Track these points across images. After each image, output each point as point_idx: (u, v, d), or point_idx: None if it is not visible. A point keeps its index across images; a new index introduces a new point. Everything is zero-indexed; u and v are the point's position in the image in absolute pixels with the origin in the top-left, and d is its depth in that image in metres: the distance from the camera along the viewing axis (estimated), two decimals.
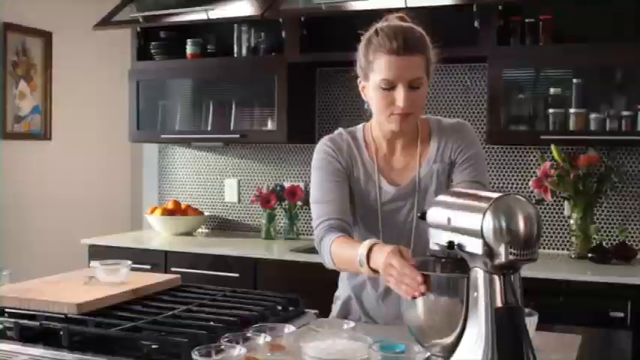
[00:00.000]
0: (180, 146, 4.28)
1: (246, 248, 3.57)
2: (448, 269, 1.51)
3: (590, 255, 3.12)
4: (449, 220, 1.42)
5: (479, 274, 1.36)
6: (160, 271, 3.41)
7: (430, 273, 1.50)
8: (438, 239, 1.47)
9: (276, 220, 3.92)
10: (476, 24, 3.27)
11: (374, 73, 1.77)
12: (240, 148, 4.13)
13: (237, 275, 3.40)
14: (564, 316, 2.73)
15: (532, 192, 3.25)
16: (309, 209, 3.92)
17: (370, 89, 1.81)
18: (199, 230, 4.14)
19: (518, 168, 3.52)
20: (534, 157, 3.47)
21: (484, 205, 1.33)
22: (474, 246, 1.34)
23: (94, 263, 2.02)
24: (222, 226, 4.22)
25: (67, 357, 1.58)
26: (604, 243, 3.24)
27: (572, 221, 3.25)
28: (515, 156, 3.52)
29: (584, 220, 3.20)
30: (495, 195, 1.34)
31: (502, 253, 1.30)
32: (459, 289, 1.41)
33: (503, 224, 1.30)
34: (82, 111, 4.67)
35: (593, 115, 3.18)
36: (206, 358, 1.44)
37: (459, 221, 1.39)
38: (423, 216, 1.54)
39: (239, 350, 1.47)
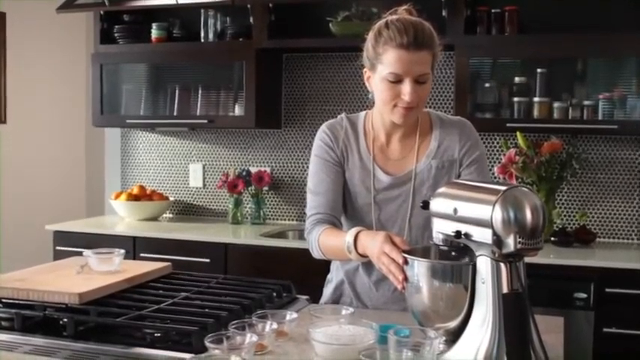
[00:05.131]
0: (144, 131, 4.25)
1: (216, 233, 3.59)
2: (451, 257, 1.57)
3: (552, 239, 3.25)
4: (455, 210, 1.48)
5: (486, 261, 1.43)
6: (128, 257, 3.38)
7: (434, 261, 1.58)
8: (442, 228, 1.53)
9: (243, 205, 3.95)
10: (444, 13, 3.36)
11: (382, 65, 1.80)
12: (204, 132, 4.13)
13: (208, 260, 3.41)
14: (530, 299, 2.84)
15: (497, 177, 3.36)
16: (276, 194, 4.00)
17: (376, 80, 1.84)
18: (164, 215, 4.13)
19: None
20: (498, 143, 3.58)
21: (493, 197, 1.39)
22: (482, 235, 1.41)
23: (87, 252, 2.01)
24: (187, 211, 4.22)
25: (72, 346, 1.58)
26: (565, 227, 3.37)
27: None
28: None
29: (546, 204, 3.32)
30: (503, 187, 1.41)
31: (511, 243, 1.38)
32: (463, 276, 1.48)
33: (512, 215, 1.37)
34: (37, 94, 4.57)
35: (556, 104, 3.31)
36: (218, 346, 1.47)
37: (467, 212, 1.45)
38: (425, 206, 1.59)
39: (250, 337, 1.50)
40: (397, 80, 1.79)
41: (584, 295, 2.94)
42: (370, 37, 1.85)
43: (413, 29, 1.77)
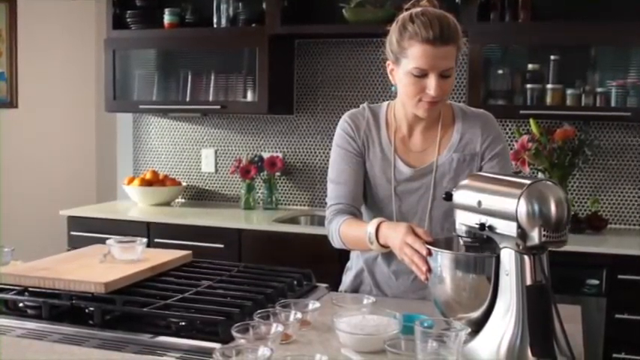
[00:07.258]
0: (156, 116, 4.26)
1: (229, 219, 3.61)
2: (474, 249, 1.59)
3: None
4: (479, 202, 1.50)
5: (509, 253, 1.45)
6: None
7: (458, 252, 1.60)
8: (465, 220, 1.55)
9: (255, 191, 3.97)
10: (457, 0, 3.36)
11: (407, 59, 1.79)
12: (216, 118, 4.14)
13: (222, 246, 3.43)
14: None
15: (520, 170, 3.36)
16: (288, 180, 4.02)
17: (400, 74, 1.83)
18: (176, 200, 4.15)
19: None
20: (510, 130, 3.59)
21: (517, 190, 1.41)
22: (507, 228, 1.43)
23: (110, 241, 2.03)
24: (199, 197, 4.24)
25: (100, 335, 1.61)
26: (577, 213, 3.39)
27: None
28: None
29: None
30: (528, 181, 1.43)
31: (535, 236, 1.39)
32: (486, 267, 1.50)
33: (537, 209, 1.39)
34: (48, 79, 4.58)
35: (569, 91, 3.32)
36: (244, 335, 1.50)
37: (491, 204, 1.47)
38: (448, 197, 1.61)
39: (276, 327, 1.53)
40: (422, 75, 1.78)
41: (596, 282, 2.96)
42: (394, 30, 1.83)
43: (439, 23, 1.75)
